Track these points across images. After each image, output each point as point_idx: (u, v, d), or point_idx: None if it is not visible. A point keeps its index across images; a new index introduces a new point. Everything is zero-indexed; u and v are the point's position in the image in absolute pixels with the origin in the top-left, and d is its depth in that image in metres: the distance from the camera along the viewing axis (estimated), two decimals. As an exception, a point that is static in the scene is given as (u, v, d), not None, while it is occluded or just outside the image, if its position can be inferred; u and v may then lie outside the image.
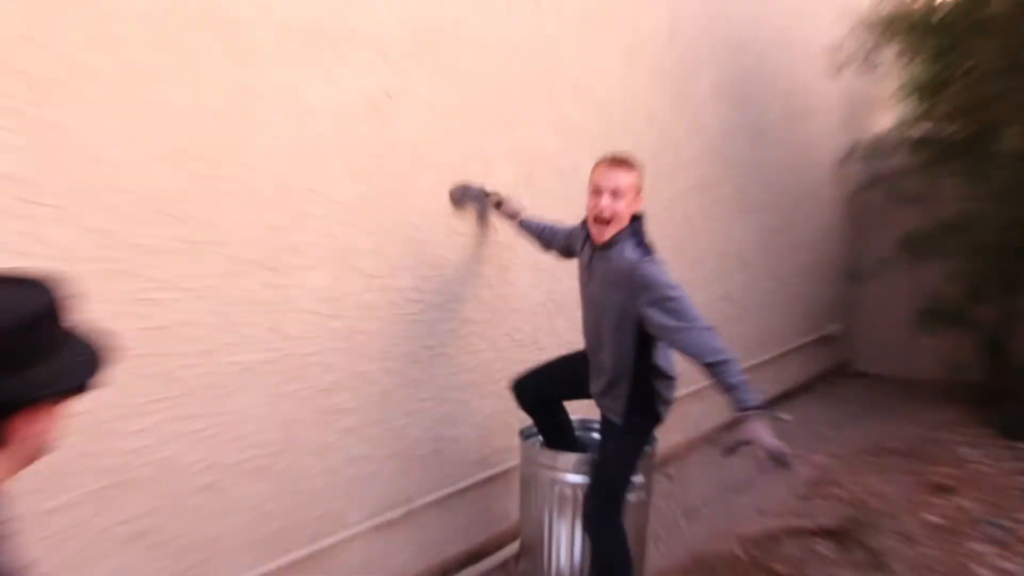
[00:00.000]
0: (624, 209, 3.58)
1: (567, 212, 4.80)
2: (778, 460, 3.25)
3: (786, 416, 4.54)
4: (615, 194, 3.56)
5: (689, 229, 5.88)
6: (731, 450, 3.34)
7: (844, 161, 7.68)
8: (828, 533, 5.20)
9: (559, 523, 4.16)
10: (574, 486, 4.09)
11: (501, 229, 4.45)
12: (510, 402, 4.34)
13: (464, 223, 4.24)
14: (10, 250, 2.75)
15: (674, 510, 5.47)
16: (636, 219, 3.67)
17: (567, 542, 4.14)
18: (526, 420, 4.37)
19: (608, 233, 3.61)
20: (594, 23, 4.87)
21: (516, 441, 4.43)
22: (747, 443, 3.29)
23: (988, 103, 6.40)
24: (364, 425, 3.92)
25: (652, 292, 3.48)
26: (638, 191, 3.64)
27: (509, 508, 4.66)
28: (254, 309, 3.42)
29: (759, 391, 3.37)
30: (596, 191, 3.59)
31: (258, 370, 3.47)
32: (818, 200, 7.56)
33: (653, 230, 5.48)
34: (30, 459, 1.77)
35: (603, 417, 3.92)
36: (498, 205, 4.27)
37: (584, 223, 3.80)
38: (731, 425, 3.40)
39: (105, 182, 2.94)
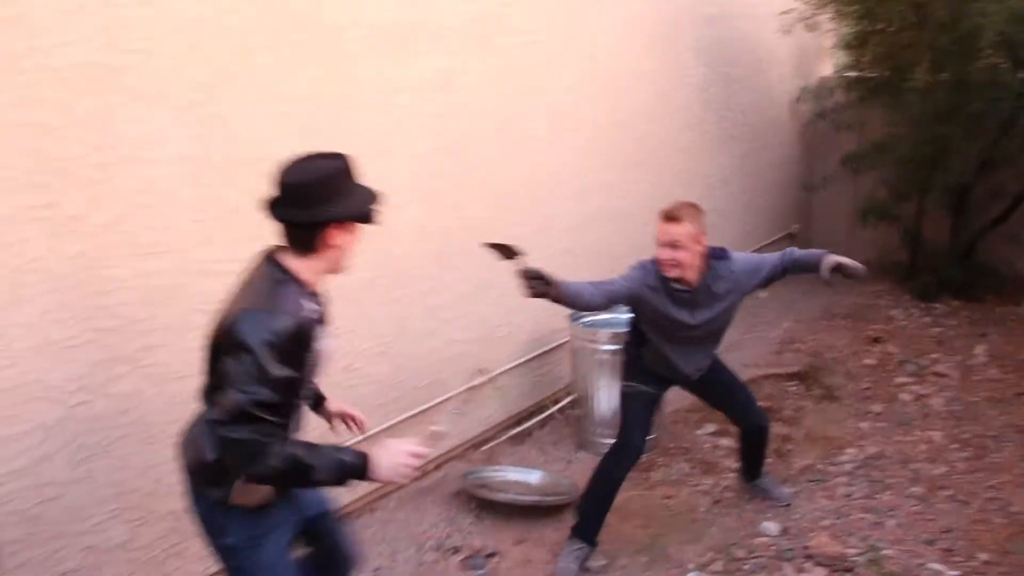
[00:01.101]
0: (687, 256, 3.08)
1: (591, 157, 4.82)
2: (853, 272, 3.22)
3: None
4: (674, 246, 3.06)
5: (682, 159, 5.84)
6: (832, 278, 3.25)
7: (797, 101, 7.56)
8: (795, 376, 5.24)
9: (600, 381, 4.26)
10: (609, 352, 4.19)
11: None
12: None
13: (516, 164, 4.26)
14: (190, 207, 2.85)
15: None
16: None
17: (607, 395, 4.24)
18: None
19: (694, 275, 3.15)
20: (601, 5, 4.81)
21: (567, 323, 4.50)
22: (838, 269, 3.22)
23: (900, 51, 6.31)
24: (456, 317, 4.01)
25: (752, 272, 3.30)
26: (696, 236, 3.08)
27: (563, 372, 4.75)
28: (369, 238, 3.47)
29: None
30: (659, 243, 3.12)
31: (375, 283, 3.57)
32: (779, 131, 7.45)
33: (657, 161, 5.52)
34: (333, 268, 2.09)
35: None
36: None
37: (651, 271, 3.20)
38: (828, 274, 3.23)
39: (253, 156, 3.01)
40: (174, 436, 2.88)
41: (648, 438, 3.52)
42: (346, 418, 2.49)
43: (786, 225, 7.59)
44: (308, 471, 1.90)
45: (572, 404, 4.63)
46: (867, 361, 5.47)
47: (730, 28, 6.34)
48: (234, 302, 2.00)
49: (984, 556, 3.40)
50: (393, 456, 1.97)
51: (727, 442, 4.38)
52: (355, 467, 1.94)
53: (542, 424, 4.64)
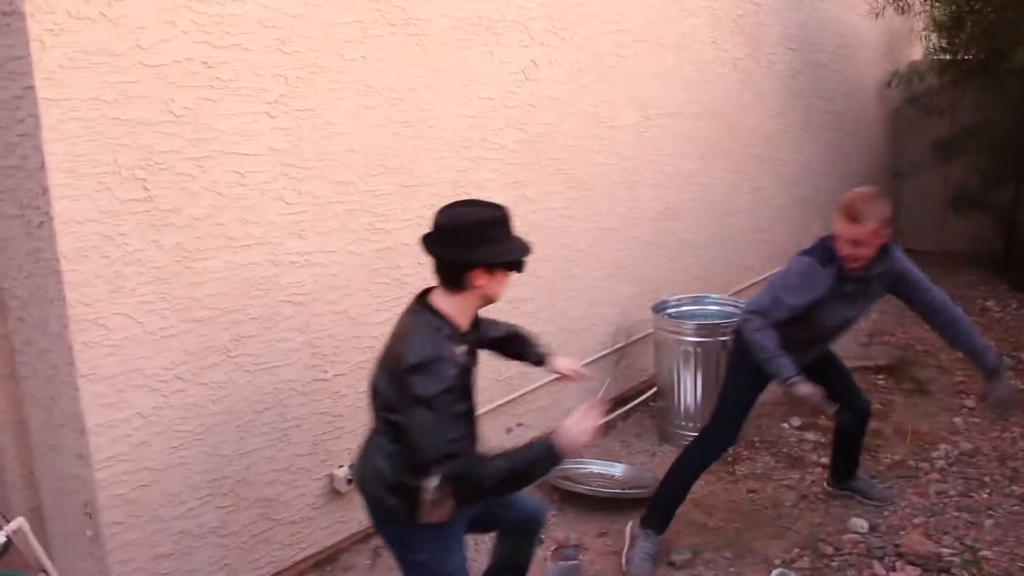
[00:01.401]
0: (867, 251, 2.92)
1: (677, 146, 4.66)
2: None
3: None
4: (856, 244, 2.90)
5: (769, 147, 5.61)
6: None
7: (886, 86, 7.21)
8: (884, 369, 5.00)
9: (685, 373, 4.12)
10: (694, 344, 4.04)
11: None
12: (644, 285, 4.29)
13: (600, 155, 4.14)
14: (283, 199, 2.83)
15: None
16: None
17: (691, 387, 4.10)
18: (657, 299, 4.31)
19: (862, 264, 2.98)
20: (686, -5, 4.62)
21: (650, 314, 4.36)
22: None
23: (997, 32, 5.94)
24: (538, 310, 3.92)
25: (914, 272, 3.13)
26: (877, 232, 2.89)
27: (647, 364, 4.62)
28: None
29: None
30: (840, 240, 2.94)
31: (458, 274, 3.50)
32: (867, 117, 7.11)
33: (744, 150, 5.31)
34: (480, 304, 2.19)
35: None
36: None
37: (827, 270, 2.99)
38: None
39: (342, 147, 2.98)
40: (264, 424, 2.90)
41: (740, 433, 3.31)
42: (569, 373, 2.63)
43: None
44: (521, 477, 2.06)
45: (655, 396, 4.47)
46: (959, 354, 5.17)
47: (818, 13, 6.05)
48: (397, 347, 2.11)
49: (1093, 561, 3.16)
50: (573, 434, 2.07)
51: (813, 436, 4.19)
52: (551, 456, 2.05)
53: (625, 416, 4.50)
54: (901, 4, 6.25)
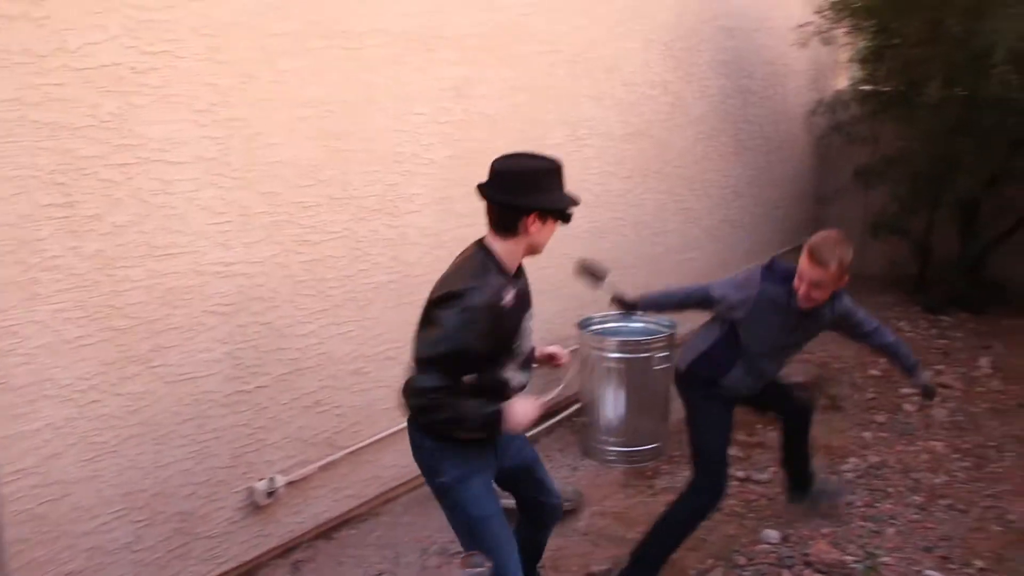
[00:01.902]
0: (824, 294, 2.99)
1: (607, 166, 4.76)
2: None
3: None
4: (815, 286, 2.94)
5: (698, 169, 5.76)
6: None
7: (812, 113, 7.48)
8: (801, 386, 5.18)
9: (608, 389, 4.20)
10: (617, 360, 4.13)
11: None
12: (571, 302, 4.34)
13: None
14: (210, 209, 2.82)
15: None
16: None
17: (614, 403, 4.19)
18: (583, 315, 4.38)
19: (813, 305, 3.05)
20: (619, 16, 4.73)
21: (576, 331, 4.42)
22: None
23: (914, 66, 6.23)
24: (463, 323, 3.96)
25: (852, 320, 3.23)
26: (839, 276, 2.96)
27: (572, 381, 4.68)
28: (380, 244, 3.46)
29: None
30: (800, 278, 2.98)
31: (385, 288, 3.52)
32: (793, 144, 7.36)
33: (672, 172, 5.44)
34: (529, 251, 2.34)
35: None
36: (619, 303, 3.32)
37: (771, 287, 3.08)
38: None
39: (272, 158, 2.99)
40: (183, 436, 2.87)
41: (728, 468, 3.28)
42: (549, 357, 2.71)
43: (798, 237, 7.48)
44: (471, 426, 2.27)
45: (579, 412, 4.54)
46: (872, 372, 5.41)
47: (748, 40, 6.25)
48: (446, 280, 2.29)
49: (980, 564, 3.37)
50: (518, 414, 2.26)
51: (731, 451, 4.31)
52: (497, 424, 2.25)
53: (548, 431, 4.56)
54: (826, 36, 6.49)
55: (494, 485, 2.52)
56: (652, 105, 5.13)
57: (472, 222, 3.84)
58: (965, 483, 4.03)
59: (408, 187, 3.53)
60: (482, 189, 2.31)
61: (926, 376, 3.40)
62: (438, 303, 2.23)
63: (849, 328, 3.27)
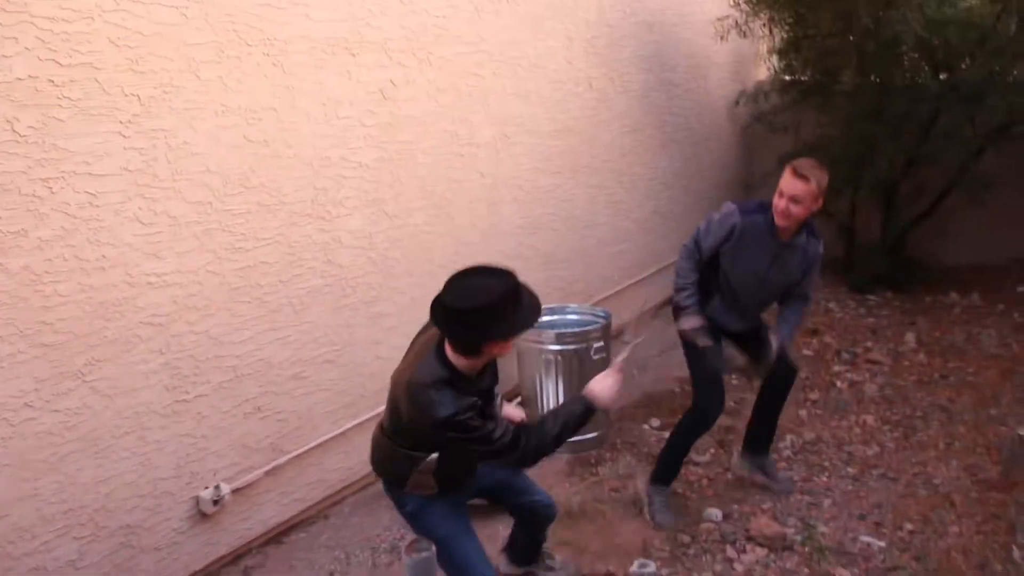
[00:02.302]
0: (802, 212, 3.19)
1: (536, 162, 4.86)
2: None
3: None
4: (794, 200, 3.15)
5: (626, 163, 5.91)
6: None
7: (735, 104, 7.70)
8: (739, 369, 5.34)
9: (547, 381, 4.30)
10: (555, 352, 4.23)
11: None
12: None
13: (460, 172, 4.29)
14: (139, 220, 2.84)
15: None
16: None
17: (554, 395, 4.29)
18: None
19: (791, 232, 3.29)
20: (542, 15, 4.84)
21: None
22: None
23: (828, 56, 6.48)
24: (401, 324, 4.00)
25: (816, 265, 3.48)
26: (817, 196, 3.18)
27: (511, 373, 4.77)
28: (313, 248, 3.51)
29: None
30: (780, 194, 3.20)
31: (321, 291, 3.57)
32: (719, 135, 7.57)
33: (600, 166, 5.58)
34: (487, 361, 2.44)
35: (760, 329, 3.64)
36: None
37: (748, 218, 3.32)
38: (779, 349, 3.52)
39: (199, 167, 3.01)
40: (123, 449, 2.88)
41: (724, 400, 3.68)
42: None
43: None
44: (570, 430, 2.51)
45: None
46: (806, 352, 5.61)
47: (668, 35, 6.43)
48: (413, 387, 2.37)
49: (909, 527, 3.58)
50: (603, 390, 2.55)
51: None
52: (589, 409, 2.53)
53: (492, 424, 4.63)
54: (743, 29, 6.70)
55: (466, 504, 2.74)
56: (578, 101, 5.26)
57: (403, 223, 3.94)
58: (895, 452, 4.24)
59: (338, 191, 3.58)
60: (437, 322, 2.35)
61: (782, 351, 3.52)
62: (435, 434, 2.35)
63: (809, 279, 3.51)
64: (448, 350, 2.37)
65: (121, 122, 2.75)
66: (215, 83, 3.03)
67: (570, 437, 2.56)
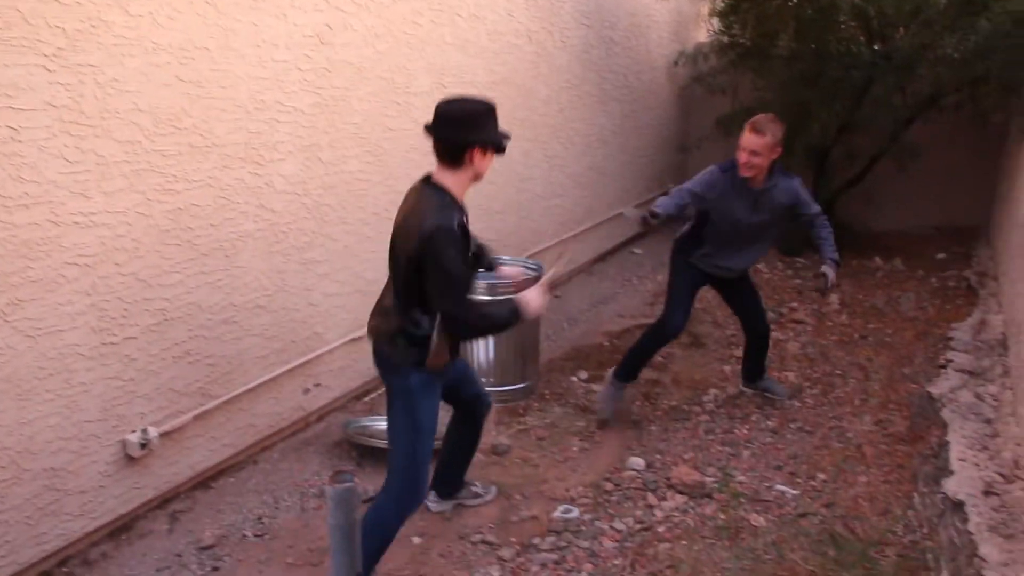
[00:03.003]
0: (763, 162, 3.73)
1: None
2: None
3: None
4: (754, 153, 3.70)
5: (563, 118, 6.01)
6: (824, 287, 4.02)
7: (674, 64, 7.83)
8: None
9: (478, 331, 4.39)
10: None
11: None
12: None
13: (396, 120, 4.33)
14: (64, 157, 2.82)
15: (560, 318, 5.75)
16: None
17: (484, 345, 4.39)
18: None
19: (761, 180, 3.82)
20: (482, -33, 4.87)
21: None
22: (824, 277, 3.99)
23: (767, 20, 6.66)
24: (334, 271, 4.07)
25: (800, 199, 3.96)
26: (773, 146, 3.71)
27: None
28: (245, 192, 3.52)
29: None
30: (741, 149, 3.74)
31: (253, 236, 3.59)
32: (657, 94, 7.71)
33: (538, 120, 5.67)
34: (472, 181, 2.75)
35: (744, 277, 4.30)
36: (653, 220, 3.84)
37: (726, 175, 3.85)
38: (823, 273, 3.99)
39: (128, 105, 2.99)
40: (48, 391, 2.90)
41: (687, 320, 4.26)
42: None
43: (662, 184, 7.91)
44: (496, 327, 2.88)
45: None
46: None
47: (610, -9, 6.51)
48: (412, 220, 2.65)
49: (822, 476, 3.82)
50: (531, 298, 2.84)
51: (599, 387, 4.62)
52: (516, 315, 2.80)
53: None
54: (687, -14, 6.84)
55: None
56: (516, 54, 5.32)
57: (337, 170, 3.98)
58: (813, 408, 4.50)
59: (272, 135, 3.60)
60: (429, 129, 2.70)
61: (832, 273, 3.98)
62: (421, 247, 2.59)
63: (797, 209, 3.99)
64: (436, 175, 2.72)
65: (45, 55, 2.72)
66: (146, 19, 3.01)
67: (492, 333, 3.08)
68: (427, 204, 2.65)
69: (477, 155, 2.69)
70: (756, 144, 3.70)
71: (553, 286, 2.99)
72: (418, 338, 2.76)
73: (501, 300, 2.94)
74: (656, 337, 4.24)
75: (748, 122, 3.77)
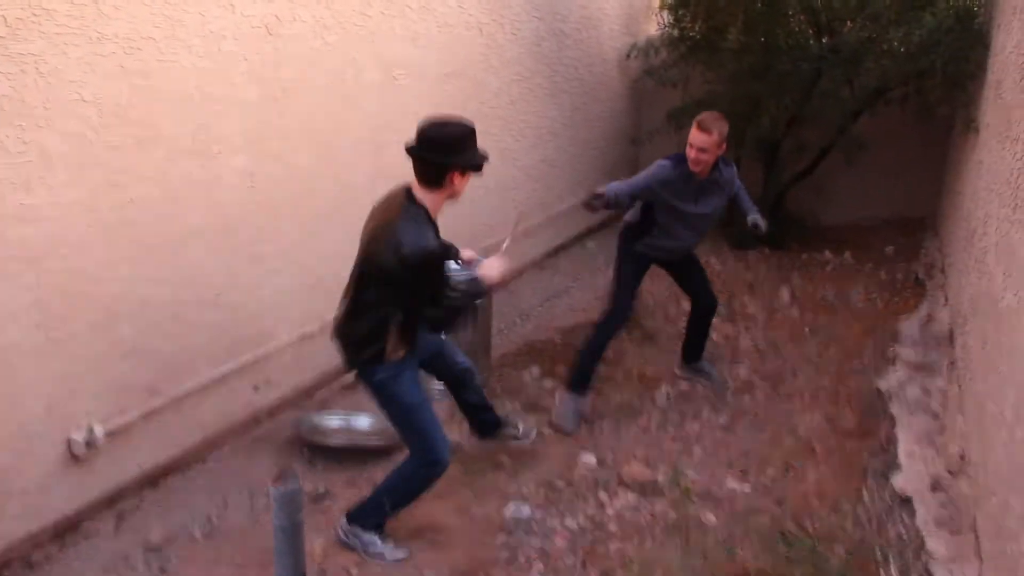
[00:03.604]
0: (709, 158, 4.05)
1: (423, 107, 4.96)
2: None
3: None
4: (702, 150, 4.00)
5: (513, 110, 6.09)
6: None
7: (626, 57, 7.95)
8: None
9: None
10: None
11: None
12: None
13: (347, 113, 4.38)
14: (5, 149, 2.83)
15: (511, 313, 5.84)
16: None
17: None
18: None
19: (706, 173, 4.14)
20: (432, -43, 4.93)
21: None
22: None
23: (716, 13, 6.83)
24: (284, 266, 4.11)
25: (735, 183, 4.46)
26: (720, 143, 4.03)
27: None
28: (193, 186, 3.55)
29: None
30: (690, 146, 4.05)
31: (201, 231, 3.62)
32: (608, 87, 7.83)
33: (488, 112, 5.75)
34: (448, 199, 2.98)
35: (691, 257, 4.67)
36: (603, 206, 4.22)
37: (676, 169, 4.12)
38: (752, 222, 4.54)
39: (72, 96, 3.01)
40: (-4, 384, 2.90)
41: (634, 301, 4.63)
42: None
43: (615, 176, 8.02)
44: (468, 303, 3.20)
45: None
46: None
47: (561, -17, 6.60)
48: (387, 231, 2.88)
49: (772, 472, 3.95)
50: (492, 267, 3.17)
51: (551, 383, 4.73)
52: (480, 287, 3.13)
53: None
54: (638, -22, 6.97)
55: (420, 376, 3.27)
56: (467, 47, 5.39)
57: (286, 164, 4.02)
58: (764, 403, 4.64)
59: (219, 127, 3.63)
60: (411, 150, 2.92)
61: (760, 219, 4.55)
62: (402, 265, 2.81)
63: (737, 189, 4.52)
64: (416, 191, 2.94)
65: (-15, 44, 2.73)
66: (90, 8, 3.02)
67: (463, 312, 3.32)
68: (405, 221, 2.86)
69: (457, 177, 2.92)
70: (704, 141, 4.00)
71: (508, 252, 3.40)
72: (375, 336, 2.97)
73: (465, 280, 3.14)
74: (607, 328, 4.45)
75: (696, 120, 4.06)
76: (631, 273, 4.49)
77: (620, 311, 4.47)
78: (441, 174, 2.90)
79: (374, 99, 4.57)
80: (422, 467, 3.19)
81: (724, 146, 4.11)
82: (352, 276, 3.09)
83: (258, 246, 3.93)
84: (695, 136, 4.03)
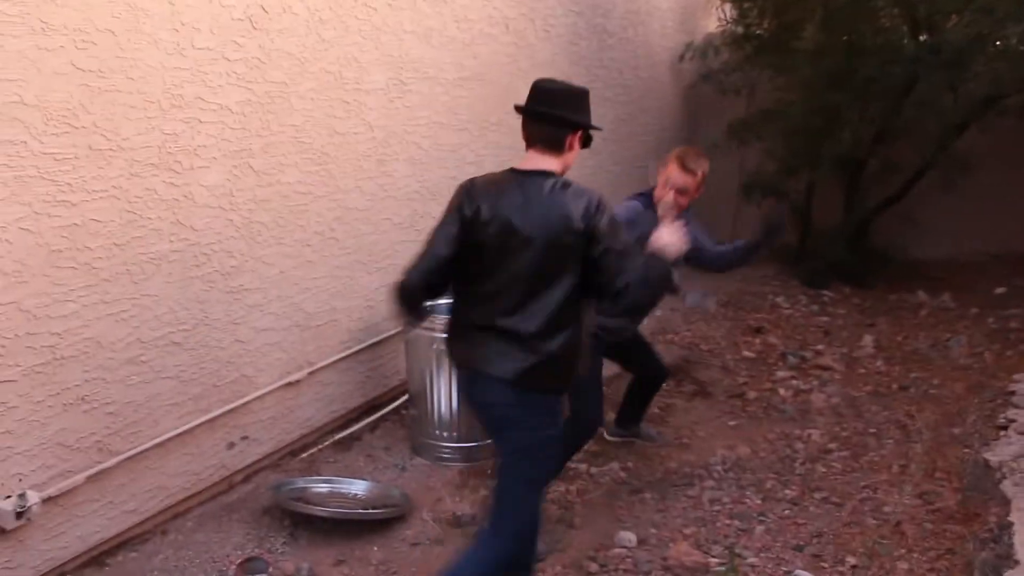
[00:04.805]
0: (687, 201, 3.91)
1: (437, 115, 4.91)
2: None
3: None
4: (681, 192, 3.86)
5: (545, 122, 6.01)
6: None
7: (680, 59, 7.89)
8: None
9: (439, 375, 4.37)
10: (449, 343, 4.30)
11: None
12: (395, 274, 4.47)
13: (345, 122, 4.31)
14: (-68, 161, 2.77)
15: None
16: None
17: (447, 391, 4.36)
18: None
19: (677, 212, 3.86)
20: (450, -59, 4.89)
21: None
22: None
23: (789, 7, 6.72)
24: (267, 302, 4.03)
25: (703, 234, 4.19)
26: (700, 185, 3.93)
27: (398, 366, 4.84)
28: (159, 206, 3.48)
29: None
30: (666, 184, 3.88)
31: (168, 259, 3.55)
32: (659, 94, 7.76)
33: (515, 124, 5.61)
34: (566, 167, 2.90)
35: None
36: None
37: (648, 211, 3.86)
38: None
39: (11, 98, 2.95)
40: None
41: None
42: None
43: (666, 201, 7.94)
44: (654, 284, 2.92)
45: (407, 403, 4.72)
46: (746, 353, 5.84)
47: (603, -28, 6.56)
48: (541, 210, 2.77)
49: (852, 560, 3.74)
50: (664, 239, 2.92)
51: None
52: (663, 264, 2.89)
53: (372, 427, 4.72)
54: (694, -32, 6.91)
55: None
56: (491, 45, 5.34)
57: (272, 181, 3.95)
58: (842, 474, 4.45)
59: (192, 138, 3.57)
60: (527, 109, 2.88)
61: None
62: (590, 226, 2.73)
63: (697, 251, 4.03)
64: (538, 161, 2.84)
65: (-85, 38, 2.69)
66: (36, -6, 2.98)
67: (655, 291, 3.10)
68: (564, 189, 2.76)
69: (576, 142, 2.89)
70: (687, 182, 3.88)
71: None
72: (572, 350, 2.89)
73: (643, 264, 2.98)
74: (573, 444, 4.08)
75: (675, 157, 3.93)
76: (591, 378, 4.01)
77: (585, 424, 4.08)
78: (562, 135, 2.84)
79: (378, 106, 4.51)
80: (508, 546, 2.95)
81: (702, 189, 3.97)
82: (520, 283, 2.83)
83: (236, 278, 3.86)
84: (677, 175, 3.88)
